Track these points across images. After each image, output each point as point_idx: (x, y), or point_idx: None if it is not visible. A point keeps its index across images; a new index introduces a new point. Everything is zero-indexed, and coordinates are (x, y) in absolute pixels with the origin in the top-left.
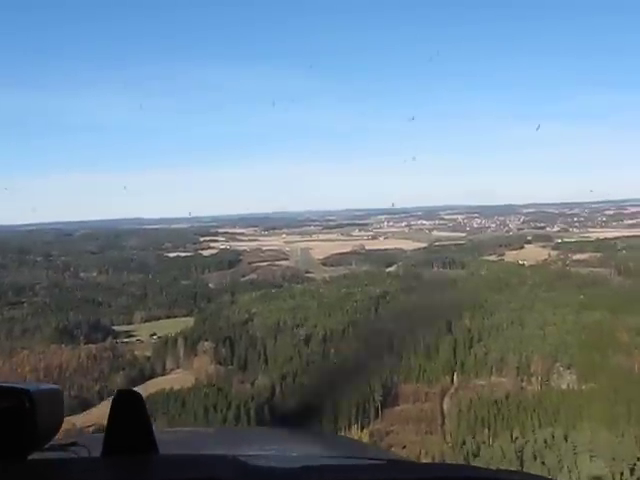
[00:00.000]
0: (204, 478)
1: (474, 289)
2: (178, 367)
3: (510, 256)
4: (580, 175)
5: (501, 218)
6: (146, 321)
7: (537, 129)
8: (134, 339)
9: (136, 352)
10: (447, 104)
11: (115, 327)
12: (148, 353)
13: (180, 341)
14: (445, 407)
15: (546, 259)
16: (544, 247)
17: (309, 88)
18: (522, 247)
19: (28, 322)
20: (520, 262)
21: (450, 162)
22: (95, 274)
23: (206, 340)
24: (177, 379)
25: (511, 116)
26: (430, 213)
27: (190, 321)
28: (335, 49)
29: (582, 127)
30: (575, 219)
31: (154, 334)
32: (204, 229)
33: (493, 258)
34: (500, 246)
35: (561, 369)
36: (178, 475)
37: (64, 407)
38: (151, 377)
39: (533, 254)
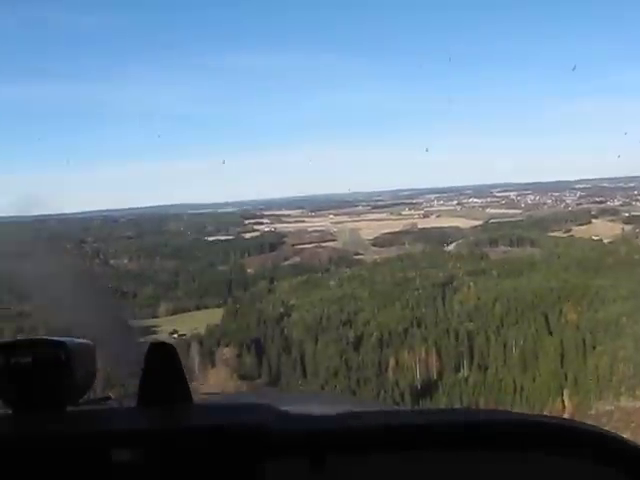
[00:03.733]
0: (243, 424)
1: (562, 271)
2: (192, 381)
3: (579, 232)
4: (631, 150)
5: (556, 194)
6: (173, 313)
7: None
8: (151, 339)
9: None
10: (490, 82)
11: (132, 323)
12: None
13: (196, 346)
14: None
15: (621, 234)
16: (613, 221)
17: (350, 69)
18: (589, 222)
19: (33, 318)
20: (594, 238)
21: (497, 139)
22: (126, 261)
23: (227, 346)
24: None
25: (557, 92)
26: (480, 191)
27: (221, 314)
28: (376, 30)
29: (629, 102)
30: (636, 192)
31: (175, 332)
32: (250, 212)
33: (560, 234)
34: (564, 221)
35: None
36: (216, 421)
37: (96, 363)
38: None
39: (604, 229)
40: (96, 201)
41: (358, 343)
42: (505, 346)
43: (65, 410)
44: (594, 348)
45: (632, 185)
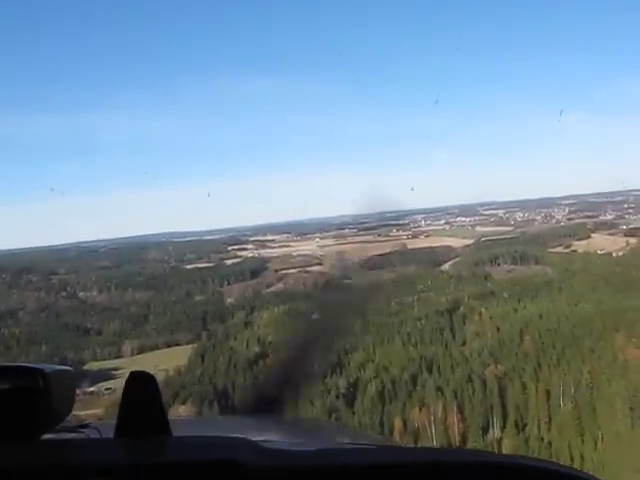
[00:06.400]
0: (220, 460)
1: (589, 291)
2: None
3: (580, 247)
4: (614, 165)
5: (544, 210)
6: (139, 352)
7: (560, 114)
8: (104, 386)
9: (82, 415)
10: (474, 102)
11: (89, 366)
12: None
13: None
14: None
15: (626, 247)
16: (613, 235)
17: (335, 94)
18: (588, 236)
19: None
20: (599, 252)
21: (480, 159)
22: (95, 293)
23: (184, 403)
24: None
25: (540, 111)
26: (466, 210)
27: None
28: (364, 56)
29: (607, 118)
30: (626, 205)
31: None
32: (234, 238)
33: (561, 250)
34: (562, 237)
35: None
36: (193, 457)
37: (75, 388)
38: None
39: (605, 243)
40: (80, 232)
41: (352, 396)
42: (549, 396)
43: (41, 439)
44: None
45: (619, 199)
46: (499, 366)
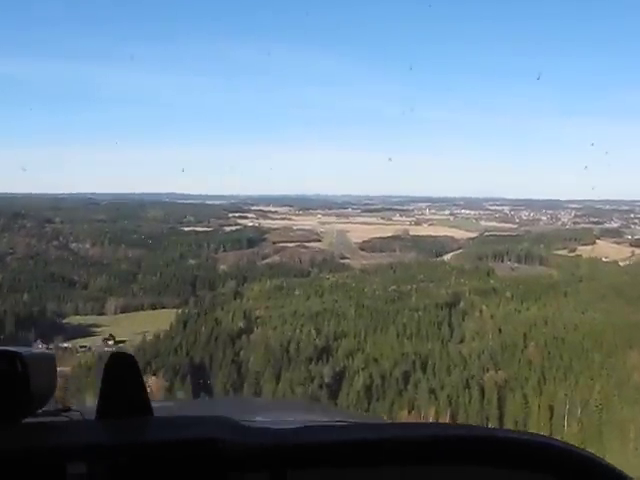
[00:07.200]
0: (199, 438)
1: (598, 299)
2: None
3: (584, 252)
4: (623, 173)
5: (550, 211)
6: (122, 312)
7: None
8: (80, 343)
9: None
10: (488, 96)
11: (69, 320)
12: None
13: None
14: None
15: (632, 257)
16: (618, 243)
17: (350, 72)
18: (594, 242)
19: None
20: (604, 259)
21: (489, 154)
22: (88, 245)
23: (154, 374)
24: None
25: (555, 112)
26: (472, 203)
27: (174, 318)
28: (378, 36)
29: (620, 125)
30: (632, 215)
31: (111, 337)
32: (236, 206)
33: (565, 253)
34: (567, 240)
35: None
36: (173, 435)
37: (57, 373)
38: None
39: (610, 251)
40: (83, 184)
41: (337, 387)
42: (552, 414)
43: (21, 422)
44: None
45: (625, 208)
46: (499, 372)
